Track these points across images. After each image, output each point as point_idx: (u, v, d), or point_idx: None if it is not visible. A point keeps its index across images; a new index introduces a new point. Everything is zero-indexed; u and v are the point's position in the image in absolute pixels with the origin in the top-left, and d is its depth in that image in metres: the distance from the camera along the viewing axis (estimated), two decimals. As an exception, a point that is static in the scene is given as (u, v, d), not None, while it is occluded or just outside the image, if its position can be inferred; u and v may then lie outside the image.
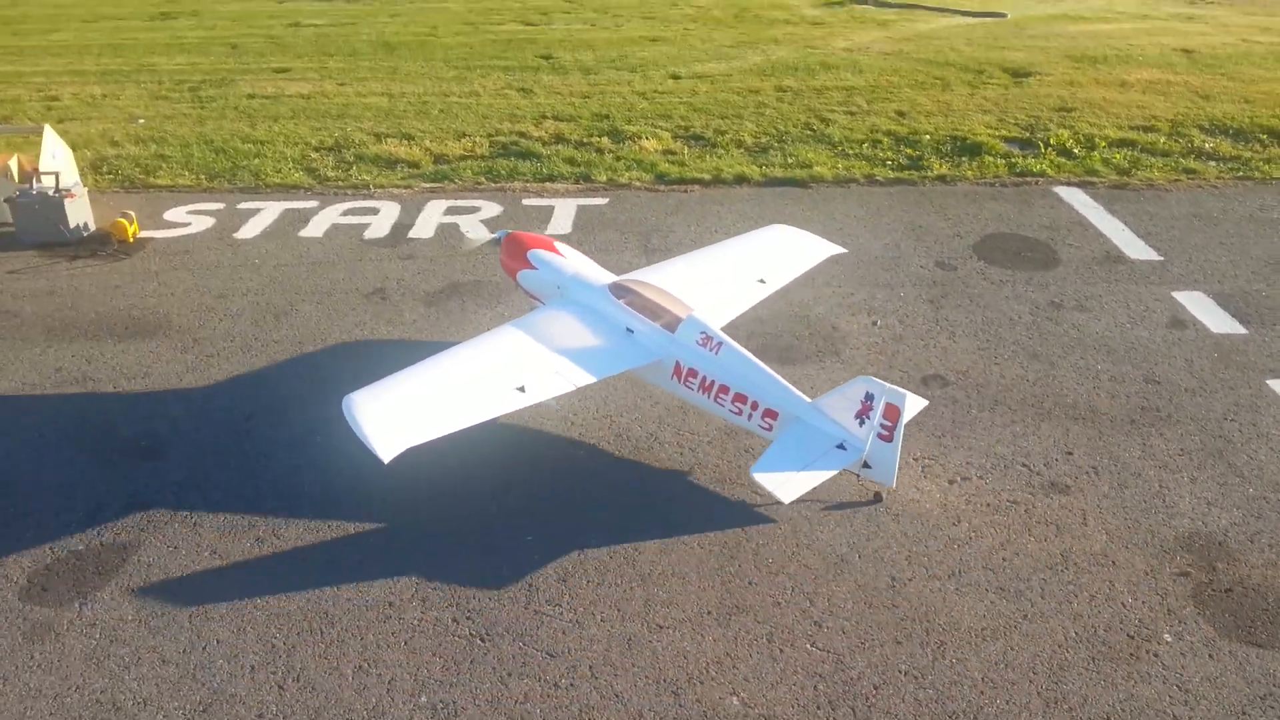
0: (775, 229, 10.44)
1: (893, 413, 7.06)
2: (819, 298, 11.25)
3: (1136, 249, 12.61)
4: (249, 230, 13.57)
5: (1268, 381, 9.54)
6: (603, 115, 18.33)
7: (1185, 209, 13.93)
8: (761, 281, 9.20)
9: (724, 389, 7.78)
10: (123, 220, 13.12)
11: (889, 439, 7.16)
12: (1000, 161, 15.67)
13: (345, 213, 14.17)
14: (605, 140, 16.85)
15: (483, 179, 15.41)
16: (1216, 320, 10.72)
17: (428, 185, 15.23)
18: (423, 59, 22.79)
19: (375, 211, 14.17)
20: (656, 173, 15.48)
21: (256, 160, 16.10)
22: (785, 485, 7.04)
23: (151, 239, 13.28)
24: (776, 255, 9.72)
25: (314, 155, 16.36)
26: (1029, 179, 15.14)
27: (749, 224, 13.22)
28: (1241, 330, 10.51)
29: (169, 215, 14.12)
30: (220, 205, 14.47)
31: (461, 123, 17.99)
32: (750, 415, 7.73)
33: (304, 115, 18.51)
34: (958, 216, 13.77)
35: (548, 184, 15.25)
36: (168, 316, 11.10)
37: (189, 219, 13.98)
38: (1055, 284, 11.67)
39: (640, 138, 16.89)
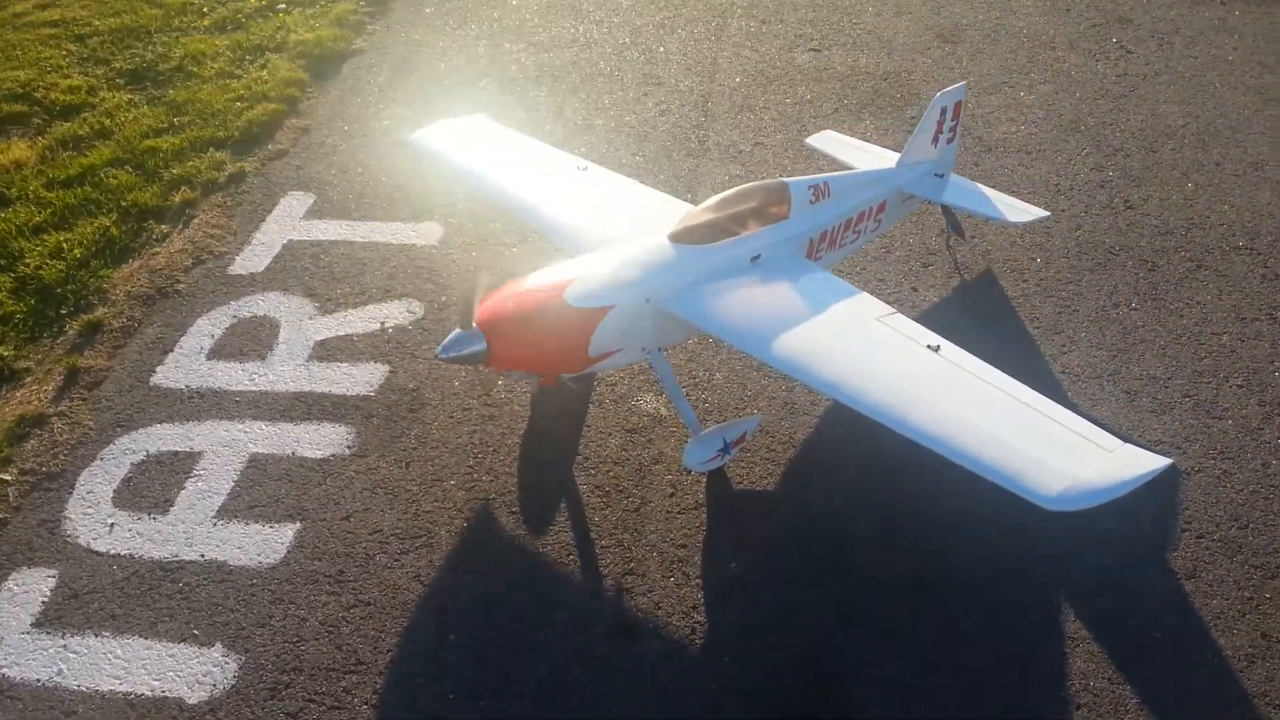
0: (476, 118, 7.24)
1: (959, 109, 6.72)
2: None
3: None
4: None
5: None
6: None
7: None
8: (583, 169, 6.87)
9: (846, 223, 6.49)
10: None
11: (953, 139, 6.78)
12: None
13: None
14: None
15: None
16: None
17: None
18: None
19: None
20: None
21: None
22: (1018, 207, 6.73)
23: None
24: (502, 141, 7.10)
25: None
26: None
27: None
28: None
29: None
30: None
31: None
32: (871, 228, 6.69)
33: None
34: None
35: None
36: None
37: None
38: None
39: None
